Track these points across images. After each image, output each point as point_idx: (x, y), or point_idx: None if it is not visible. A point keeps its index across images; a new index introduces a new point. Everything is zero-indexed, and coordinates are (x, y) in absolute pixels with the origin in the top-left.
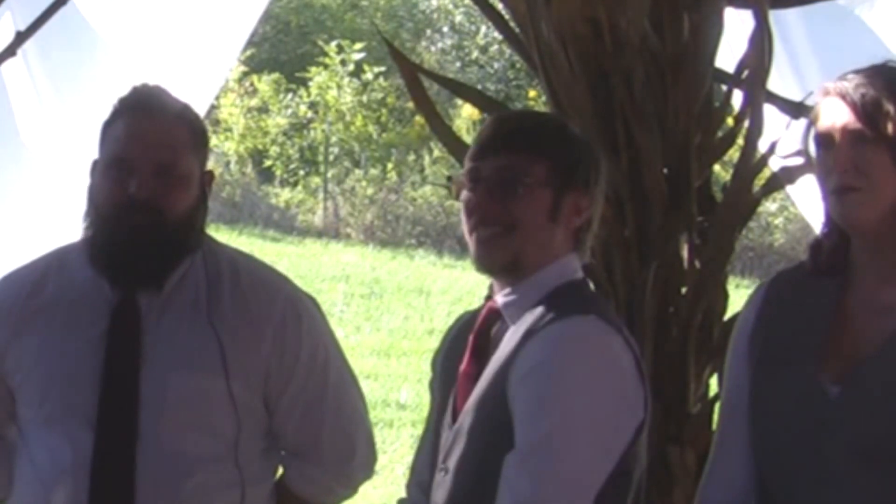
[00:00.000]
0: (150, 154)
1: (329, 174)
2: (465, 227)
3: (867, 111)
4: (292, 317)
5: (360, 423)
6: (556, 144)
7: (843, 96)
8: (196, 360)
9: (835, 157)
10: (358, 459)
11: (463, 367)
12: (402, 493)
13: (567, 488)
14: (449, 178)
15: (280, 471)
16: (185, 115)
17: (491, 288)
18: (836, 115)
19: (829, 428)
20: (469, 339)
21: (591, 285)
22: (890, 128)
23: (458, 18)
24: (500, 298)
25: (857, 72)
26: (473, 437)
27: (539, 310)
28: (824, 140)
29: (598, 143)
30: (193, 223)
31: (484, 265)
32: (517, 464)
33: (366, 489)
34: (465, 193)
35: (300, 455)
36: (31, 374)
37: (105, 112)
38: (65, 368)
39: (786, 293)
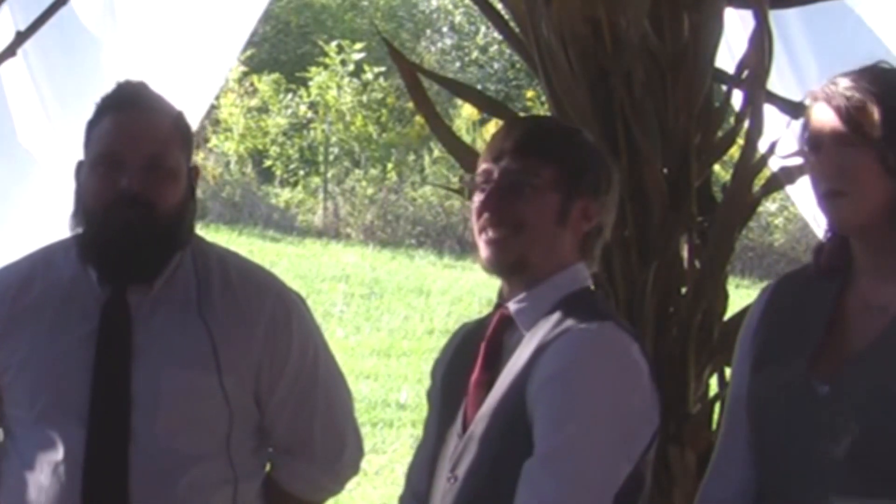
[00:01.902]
0: (139, 147)
1: (329, 174)
2: (474, 229)
3: (850, 115)
4: (282, 314)
5: (348, 419)
6: (567, 149)
7: (829, 100)
8: (188, 357)
9: (822, 161)
10: (347, 456)
11: (475, 375)
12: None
13: (590, 491)
14: (461, 180)
15: (268, 468)
16: (169, 111)
17: (500, 295)
18: (823, 120)
19: (817, 427)
20: (480, 348)
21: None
22: (874, 131)
23: (458, 18)
24: (512, 305)
25: (846, 74)
26: (487, 444)
27: (554, 316)
28: (813, 144)
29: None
30: (183, 218)
31: (491, 266)
32: (540, 467)
33: (366, 489)
34: (476, 195)
35: (290, 452)
36: (20, 373)
37: None
38: (56, 367)
39: (789, 294)
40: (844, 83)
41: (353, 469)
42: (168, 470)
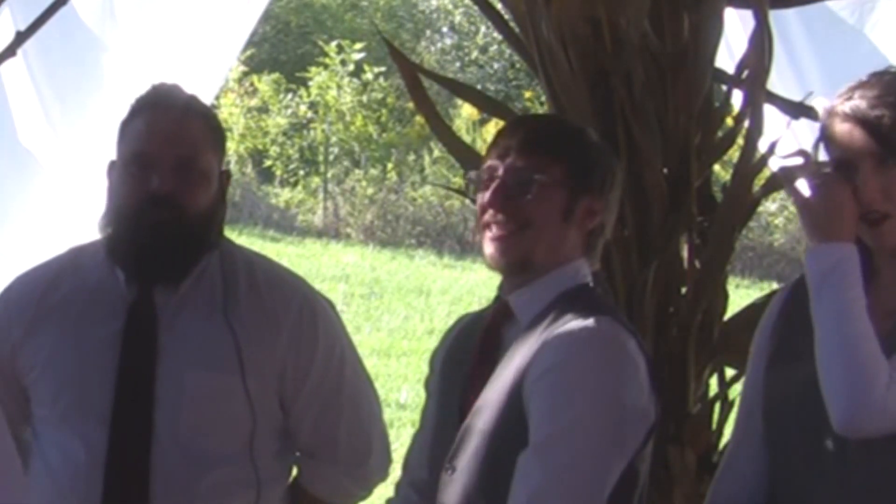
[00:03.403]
0: (171, 149)
1: (329, 174)
2: (478, 225)
3: (884, 134)
4: (308, 316)
5: (375, 422)
6: (573, 147)
7: (858, 120)
8: (212, 358)
9: (860, 184)
10: (374, 459)
11: (472, 366)
12: None
13: (579, 481)
14: (466, 178)
15: (294, 472)
16: (203, 113)
17: (501, 288)
18: (854, 141)
19: (829, 422)
20: (477, 340)
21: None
22: None
23: (458, 18)
24: (511, 298)
25: (862, 87)
26: (485, 436)
27: (554, 310)
28: (843, 165)
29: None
30: (213, 220)
31: (495, 263)
32: (532, 457)
33: None
34: (480, 192)
35: (315, 455)
36: (45, 372)
37: (105, 112)
38: (79, 366)
39: (806, 296)
40: (870, 99)
41: (381, 474)
42: (190, 471)
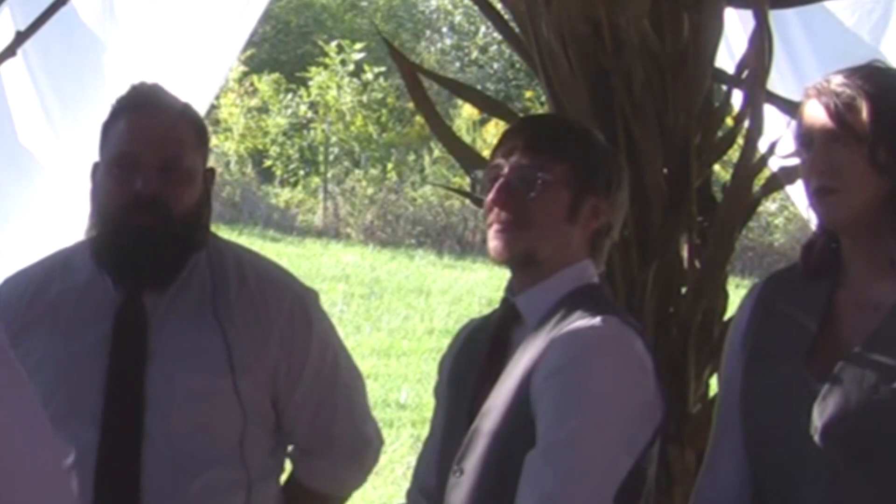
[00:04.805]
0: (155, 149)
1: (329, 174)
2: (486, 223)
3: (839, 111)
4: (301, 315)
5: (367, 415)
6: (579, 147)
7: (819, 96)
8: (202, 360)
9: (812, 158)
10: (370, 451)
11: (480, 369)
12: (402, 493)
13: (591, 484)
14: (472, 178)
15: (289, 467)
16: (186, 112)
17: (508, 289)
18: (814, 116)
19: (811, 424)
20: (485, 342)
21: None
22: (863, 128)
23: (458, 19)
24: (518, 300)
25: (839, 71)
26: (494, 438)
27: (560, 311)
28: (804, 141)
29: None
30: (199, 220)
31: (500, 256)
32: (541, 459)
33: (365, 489)
34: (486, 191)
35: (312, 451)
36: (35, 376)
37: (105, 112)
38: (70, 369)
39: (779, 293)
40: (837, 80)
41: (375, 460)
42: (181, 472)
